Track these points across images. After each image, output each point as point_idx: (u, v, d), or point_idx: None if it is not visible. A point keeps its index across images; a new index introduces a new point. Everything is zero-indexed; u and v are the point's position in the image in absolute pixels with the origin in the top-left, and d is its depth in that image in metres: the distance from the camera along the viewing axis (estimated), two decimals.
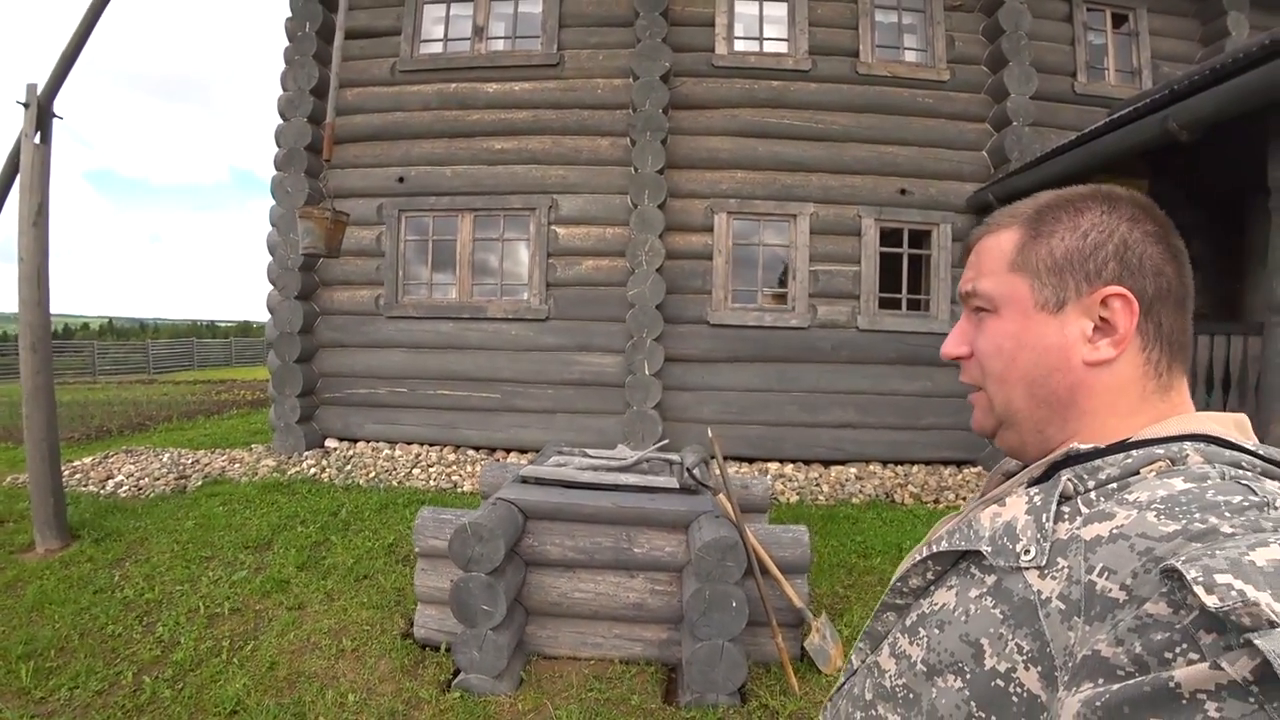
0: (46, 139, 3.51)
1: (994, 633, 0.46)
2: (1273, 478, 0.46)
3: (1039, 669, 0.42)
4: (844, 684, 0.64)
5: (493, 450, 6.12)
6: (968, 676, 0.46)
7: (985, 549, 0.50)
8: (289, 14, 6.21)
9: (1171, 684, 0.33)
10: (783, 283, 5.87)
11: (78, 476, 5.25)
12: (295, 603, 3.17)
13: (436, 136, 6.15)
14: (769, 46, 5.94)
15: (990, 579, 0.50)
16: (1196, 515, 0.41)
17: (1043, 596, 0.44)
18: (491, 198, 6.07)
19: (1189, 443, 0.49)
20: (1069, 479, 0.50)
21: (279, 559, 3.68)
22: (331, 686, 2.46)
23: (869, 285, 5.75)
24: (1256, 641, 0.31)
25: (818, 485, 5.36)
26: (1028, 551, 0.47)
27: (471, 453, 6.06)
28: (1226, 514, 0.40)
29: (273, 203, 6.13)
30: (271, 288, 6.18)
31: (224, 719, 2.27)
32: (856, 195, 5.76)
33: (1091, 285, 0.55)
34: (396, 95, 6.18)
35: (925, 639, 0.52)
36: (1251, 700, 0.30)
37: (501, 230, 6.13)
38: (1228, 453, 0.48)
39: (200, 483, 5.25)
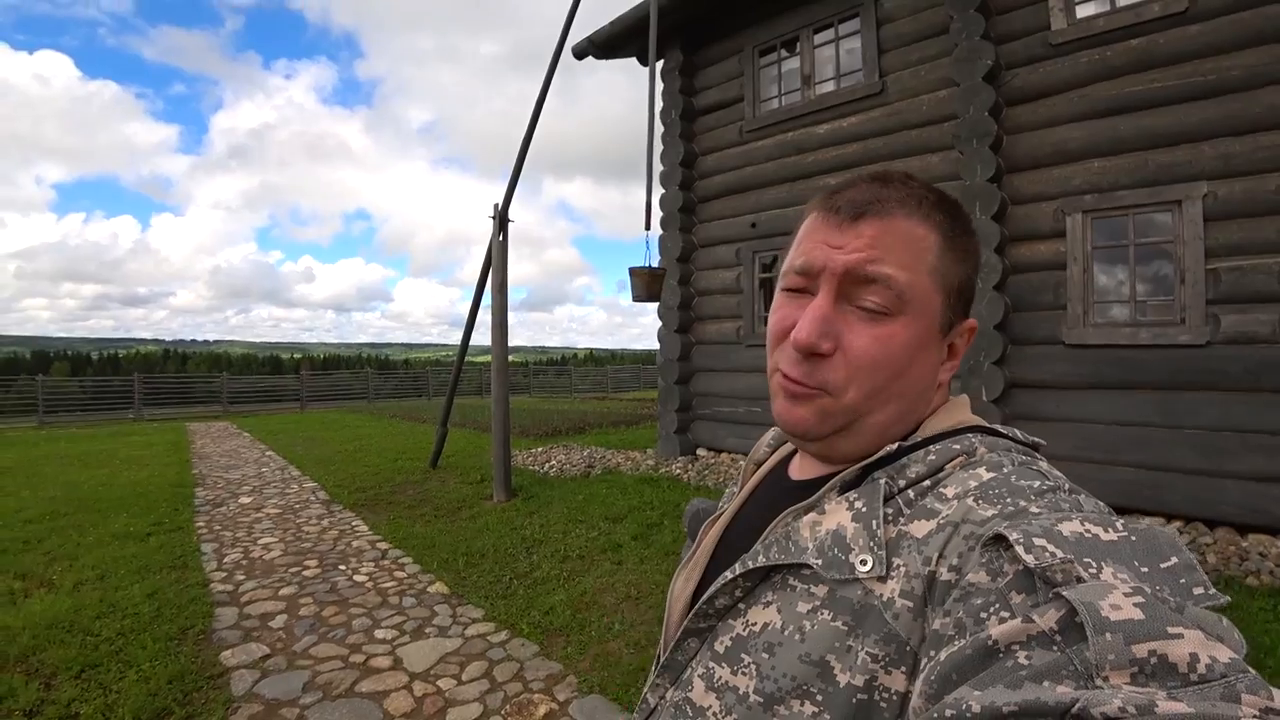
0: (505, 236, 5.55)
1: (840, 646, 0.45)
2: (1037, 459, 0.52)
3: (903, 668, 0.42)
4: None
5: None
6: (820, 699, 0.44)
7: (814, 562, 0.48)
8: (660, 104, 7.84)
9: (989, 641, 0.34)
10: (1166, 289, 4.58)
11: (529, 459, 7.65)
12: (618, 560, 4.19)
13: (779, 183, 6.83)
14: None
15: (821, 590, 0.48)
16: (1008, 499, 0.44)
17: (885, 599, 0.44)
18: None
19: (971, 435, 0.53)
20: (885, 481, 0.50)
21: (623, 529, 4.81)
22: (610, 616, 3.32)
23: None
24: (1065, 593, 0.33)
25: (1207, 551, 4.01)
26: (864, 562, 0.46)
27: None
28: (1031, 496, 0.43)
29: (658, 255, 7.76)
30: (660, 324, 7.82)
31: (542, 614, 3.35)
32: None
33: (963, 317, 0.57)
34: (745, 153, 7.13)
35: (754, 666, 0.49)
36: (1055, 648, 0.32)
37: None
38: (1000, 441, 0.53)
39: (599, 472, 6.99)
